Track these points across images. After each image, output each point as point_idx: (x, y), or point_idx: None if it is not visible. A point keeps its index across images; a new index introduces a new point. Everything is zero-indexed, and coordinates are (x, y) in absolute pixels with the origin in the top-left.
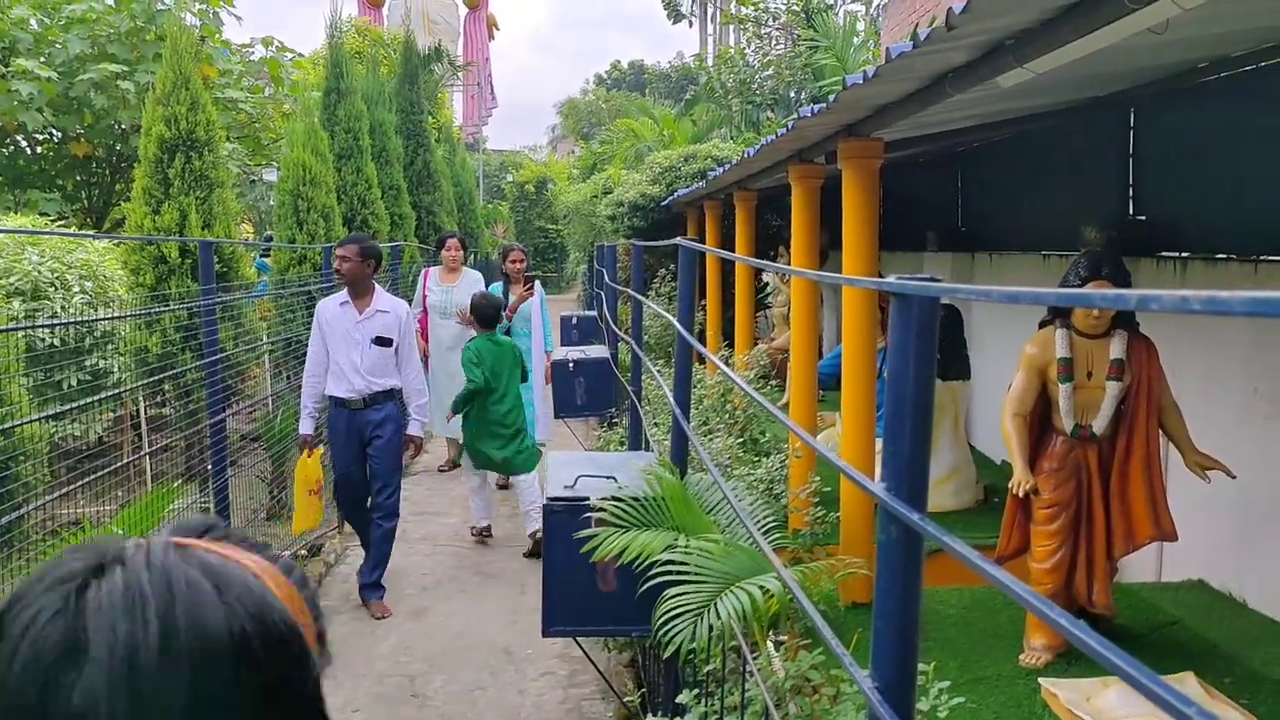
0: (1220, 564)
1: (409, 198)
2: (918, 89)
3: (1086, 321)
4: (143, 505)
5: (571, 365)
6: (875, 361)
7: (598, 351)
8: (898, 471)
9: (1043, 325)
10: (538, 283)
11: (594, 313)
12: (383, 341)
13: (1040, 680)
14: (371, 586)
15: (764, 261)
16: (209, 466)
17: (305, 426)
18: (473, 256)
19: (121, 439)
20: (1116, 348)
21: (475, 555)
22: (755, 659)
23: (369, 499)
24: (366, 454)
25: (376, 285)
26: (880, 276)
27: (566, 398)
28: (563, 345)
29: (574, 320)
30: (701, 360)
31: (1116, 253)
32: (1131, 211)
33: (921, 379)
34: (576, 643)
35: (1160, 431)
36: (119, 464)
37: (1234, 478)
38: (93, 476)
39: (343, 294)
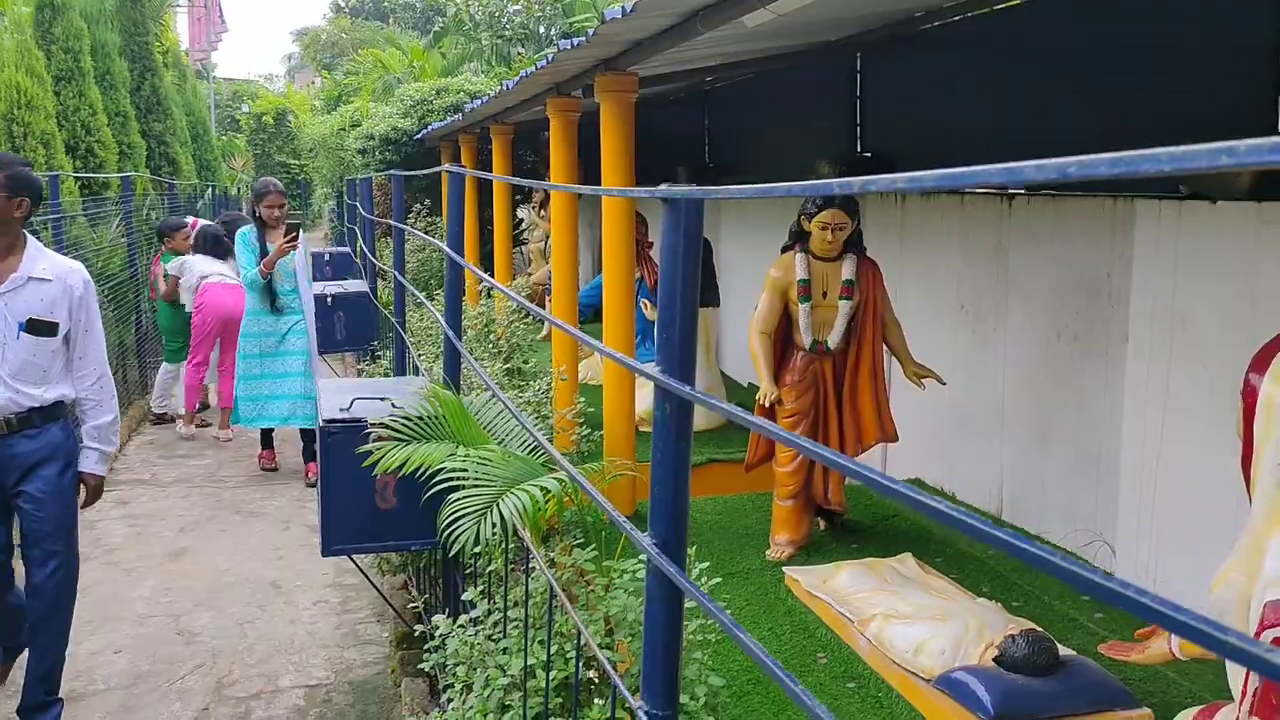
0: (933, 463)
1: (138, 125)
2: (671, 25)
3: (822, 246)
4: None
5: (330, 300)
6: (634, 290)
7: (357, 286)
8: (670, 355)
9: (784, 250)
10: (302, 233)
11: (346, 249)
12: (39, 328)
13: (784, 569)
14: (39, 708)
15: (532, 181)
16: None
17: None
18: (210, 190)
19: None
20: (847, 270)
21: (234, 495)
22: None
23: (20, 574)
24: (15, 506)
25: (31, 239)
26: (636, 209)
27: (327, 333)
28: (317, 282)
29: (326, 257)
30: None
31: None
32: (859, 148)
33: (688, 275)
34: (354, 564)
35: (885, 345)
36: None
37: (945, 385)
38: None
39: None
